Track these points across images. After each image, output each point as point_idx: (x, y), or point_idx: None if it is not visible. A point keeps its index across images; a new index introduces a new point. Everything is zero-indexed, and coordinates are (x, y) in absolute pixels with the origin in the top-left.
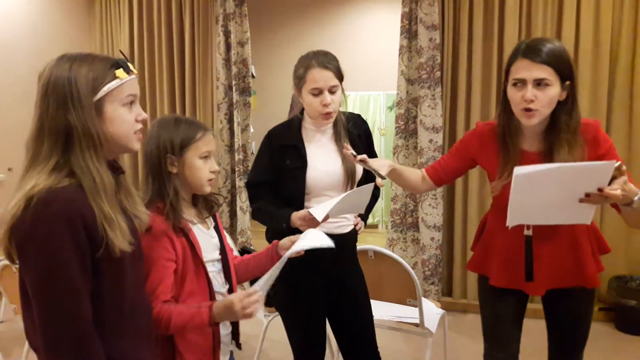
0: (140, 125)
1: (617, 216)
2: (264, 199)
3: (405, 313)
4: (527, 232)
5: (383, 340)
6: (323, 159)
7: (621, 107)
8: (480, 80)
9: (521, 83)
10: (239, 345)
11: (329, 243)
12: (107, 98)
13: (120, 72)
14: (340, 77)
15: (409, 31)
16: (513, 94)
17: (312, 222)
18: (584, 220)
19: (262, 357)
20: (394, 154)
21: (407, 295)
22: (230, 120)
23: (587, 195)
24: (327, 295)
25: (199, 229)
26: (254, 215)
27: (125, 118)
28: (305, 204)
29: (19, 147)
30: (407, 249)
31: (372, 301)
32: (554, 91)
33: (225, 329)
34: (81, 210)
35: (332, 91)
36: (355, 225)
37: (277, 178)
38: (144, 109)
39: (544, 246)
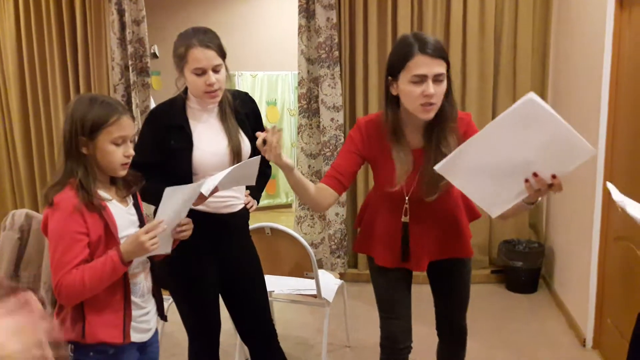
0: None
1: None
2: (150, 180)
3: (303, 285)
4: (404, 219)
5: (288, 313)
6: (209, 138)
7: (506, 83)
8: (376, 59)
9: (420, 79)
10: (164, 318)
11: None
12: None
13: None
14: (223, 55)
15: (307, 10)
16: (411, 89)
17: (200, 197)
18: (495, 211)
19: (165, 340)
20: (299, 133)
21: (304, 268)
22: (129, 102)
23: (536, 175)
24: (218, 274)
25: (116, 206)
26: (142, 197)
27: None
28: None
29: None
30: (314, 225)
31: (271, 276)
32: (445, 84)
33: (138, 309)
34: None
35: (215, 70)
36: (247, 204)
37: (162, 159)
38: (36, 95)
39: (419, 228)
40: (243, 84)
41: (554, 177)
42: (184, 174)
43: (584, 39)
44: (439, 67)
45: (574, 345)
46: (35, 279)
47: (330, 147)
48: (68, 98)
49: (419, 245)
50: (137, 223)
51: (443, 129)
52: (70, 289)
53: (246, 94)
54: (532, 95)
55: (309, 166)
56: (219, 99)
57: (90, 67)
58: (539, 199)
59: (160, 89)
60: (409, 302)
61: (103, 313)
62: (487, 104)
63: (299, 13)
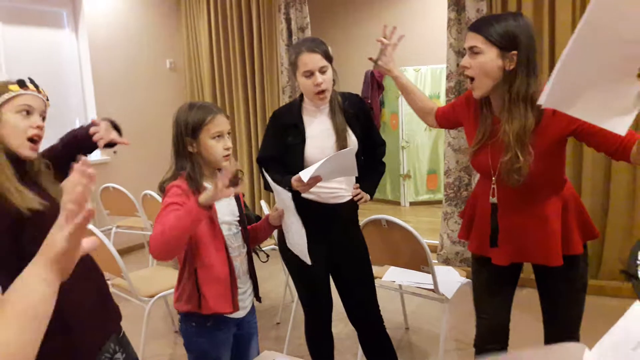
0: (34, 131)
1: None
2: (272, 171)
3: (424, 279)
4: (492, 200)
5: (425, 307)
6: (320, 135)
7: None
8: None
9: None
10: (259, 299)
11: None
12: (4, 106)
13: (13, 87)
14: (328, 58)
15: (457, 3)
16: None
17: (302, 183)
18: (620, 127)
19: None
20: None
21: (420, 262)
22: None
23: None
24: (328, 259)
25: None
26: (265, 186)
27: (17, 124)
28: None
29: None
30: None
31: (392, 267)
32: (485, 58)
33: (240, 284)
34: None
35: (322, 71)
36: (355, 196)
37: (281, 153)
38: (223, 95)
39: (509, 216)
40: None
41: None
42: (298, 166)
43: None
44: (471, 41)
45: None
46: None
47: None
48: (247, 98)
49: (507, 236)
50: (237, 212)
51: (507, 106)
52: (154, 240)
53: (356, 95)
54: None
55: (457, 161)
56: (327, 99)
57: (264, 71)
58: None
59: None
60: (503, 301)
61: (215, 286)
62: None
63: (448, 7)
